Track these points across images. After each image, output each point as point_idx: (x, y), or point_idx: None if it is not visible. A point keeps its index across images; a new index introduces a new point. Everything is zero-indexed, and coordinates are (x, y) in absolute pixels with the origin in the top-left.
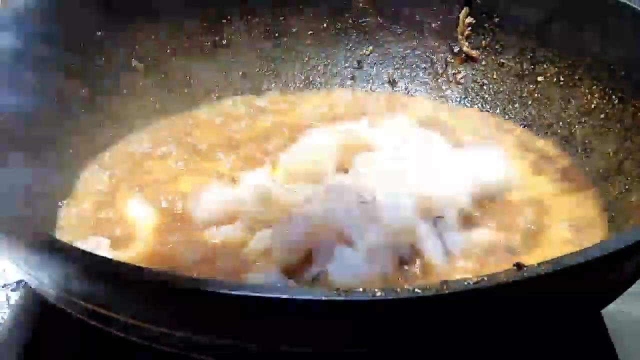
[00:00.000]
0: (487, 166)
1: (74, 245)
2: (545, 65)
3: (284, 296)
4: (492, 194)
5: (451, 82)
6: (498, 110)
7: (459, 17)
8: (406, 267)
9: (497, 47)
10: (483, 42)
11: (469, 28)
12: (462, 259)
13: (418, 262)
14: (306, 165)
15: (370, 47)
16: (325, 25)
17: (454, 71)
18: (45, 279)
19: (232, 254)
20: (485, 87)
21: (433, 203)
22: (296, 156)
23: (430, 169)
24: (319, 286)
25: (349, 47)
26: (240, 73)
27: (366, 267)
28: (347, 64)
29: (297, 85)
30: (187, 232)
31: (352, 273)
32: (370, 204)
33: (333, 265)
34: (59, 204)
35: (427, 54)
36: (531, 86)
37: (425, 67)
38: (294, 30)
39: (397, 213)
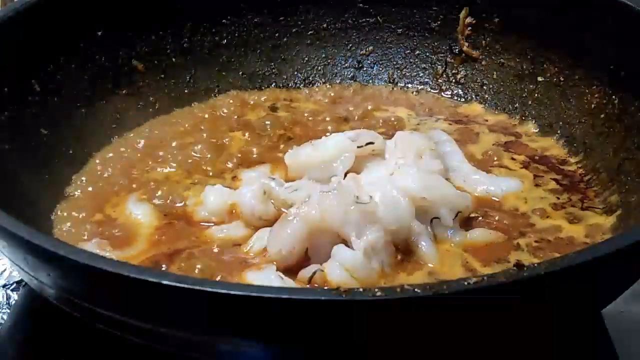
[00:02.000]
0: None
1: (73, 245)
2: (545, 65)
3: (284, 296)
4: (492, 197)
5: (451, 82)
6: (498, 110)
7: (459, 17)
8: (400, 260)
9: (497, 47)
10: (483, 42)
11: (469, 28)
12: (459, 258)
13: (412, 259)
14: (317, 166)
15: (370, 47)
16: (325, 25)
17: (454, 71)
18: (45, 279)
19: (231, 253)
20: (485, 87)
21: (431, 205)
22: (311, 156)
23: (432, 173)
24: (315, 284)
25: (349, 47)
26: (240, 73)
27: (362, 265)
28: (347, 64)
29: (297, 85)
30: (187, 231)
31: (348, 272)
32: (367, 205)
33: (329, 263)
34: (58, 203)
35: (427, 54)
36: (531, 86)
37: (425, 67)
38: (294, 30)
39: (394, 213)
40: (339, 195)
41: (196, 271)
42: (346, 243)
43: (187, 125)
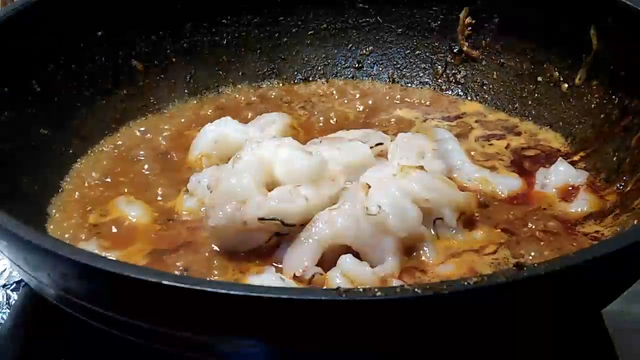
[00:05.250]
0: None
1: (73, 245)
2: (545, 65)
3: (284, 296)
4: (496, 195)
5: (451, 82)
6: (498, 110)
7: (459, 17)
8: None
9: (497, 47)
10: (483, 42)
11: (469, 28)
12: (460, 259)
13: (416, 261)
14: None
15: (370, 47)
16: (325, 25)
17: (454, 71)
18: (45, 279)
19: (230, 252)
20: (485, 87)
21: (434, 206)
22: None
23: (434, 174)
24: (315, 286)
25: (349, 47)
26: (240, 73)
27: (370, 280)
28: (347, 64)
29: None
30: (183, 230)
31: (354, 284)
32: (377, 216)
33: (333, 272)
34: (57, 203)
35: (427, 54)
36: (531, 86)
37: (425, 67)
38: (294, 30)
39: (404, 222)
40: (349, 211)
41: (194, 270)
42: (352, 252)
43: (186, 126)
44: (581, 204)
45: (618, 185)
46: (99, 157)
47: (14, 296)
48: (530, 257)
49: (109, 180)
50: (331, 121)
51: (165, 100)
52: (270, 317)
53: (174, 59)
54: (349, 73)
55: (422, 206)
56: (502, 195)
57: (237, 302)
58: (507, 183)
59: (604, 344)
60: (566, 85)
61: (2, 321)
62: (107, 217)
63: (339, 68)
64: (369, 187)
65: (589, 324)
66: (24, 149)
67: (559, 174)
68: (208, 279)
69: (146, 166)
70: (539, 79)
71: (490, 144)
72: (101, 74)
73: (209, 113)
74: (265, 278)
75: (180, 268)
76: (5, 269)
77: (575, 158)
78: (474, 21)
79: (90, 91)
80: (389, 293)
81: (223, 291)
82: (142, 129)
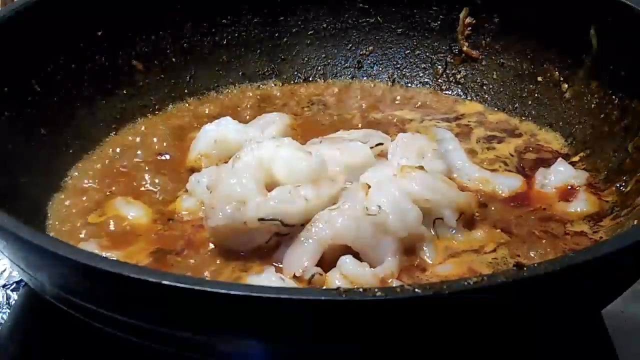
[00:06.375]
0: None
1: (73, 245)
2: (545, 65)
3: (284, 296)
4: (496, 195)
5: (451, 82)
6: (498, 110)
7: (459, 17)
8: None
9: (497, 47)
10: (483, 42)
11: (469, 28)
12: (460, 259)
13: (416, 261)
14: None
15: (370, 47)
16: (325, 25)
17: (454, 71)
18: (45, 279)
19: (230, 253)
20: (485, 87)
21: (434, 206)
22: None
23: (435, 174)
24: (315, 286)
25: (349, 47)
26: (241, 73)
27: (368, 282)
28: (347, 64)
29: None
30: (183, 230)
31: (351, 280)
32: (377, 216)
33: (333, 273)
34: (56, 203)
35: (427, 54)
36: (531, 86)
37: (425, 67)
38: (294, 30)
39: (404, 222)
40: (349, 211)
41: (194, 270)
42: (352, 252)
43: (186, 126)
44: (581, 204)
45: (618, 186)
46: (98, 157)
47: (14, 296)
48: (530, 257)
49: (108, 180)
50: (331, 121)
51: (165, 100)
52: (270, 317)
53: (174, 59)
54: (349, 73)
55: (422, 206)
56: (502, 195)
57: (237, 302)
58: (507, 183)
59: (604, 344)
60: (566, 85)
61: (2, 321)
62: (107, 217)
63: (339, 68)
64: (369, 187)
65: (589, 324)
66: (24, 149)
67: (559, 174)
68: (208, 279)
69: (146, 167)
70: (539, 79)
71: (490, 144)
72: (101, 74)
73: (209, 113)
74: (265, 278)
75: (179, 268)
76: (5, 269)
77: (575, 158)
78: (474, 21)
79: (90, 91)
80: (389, 293)
81: (223, 291)
82: (142, 129)
